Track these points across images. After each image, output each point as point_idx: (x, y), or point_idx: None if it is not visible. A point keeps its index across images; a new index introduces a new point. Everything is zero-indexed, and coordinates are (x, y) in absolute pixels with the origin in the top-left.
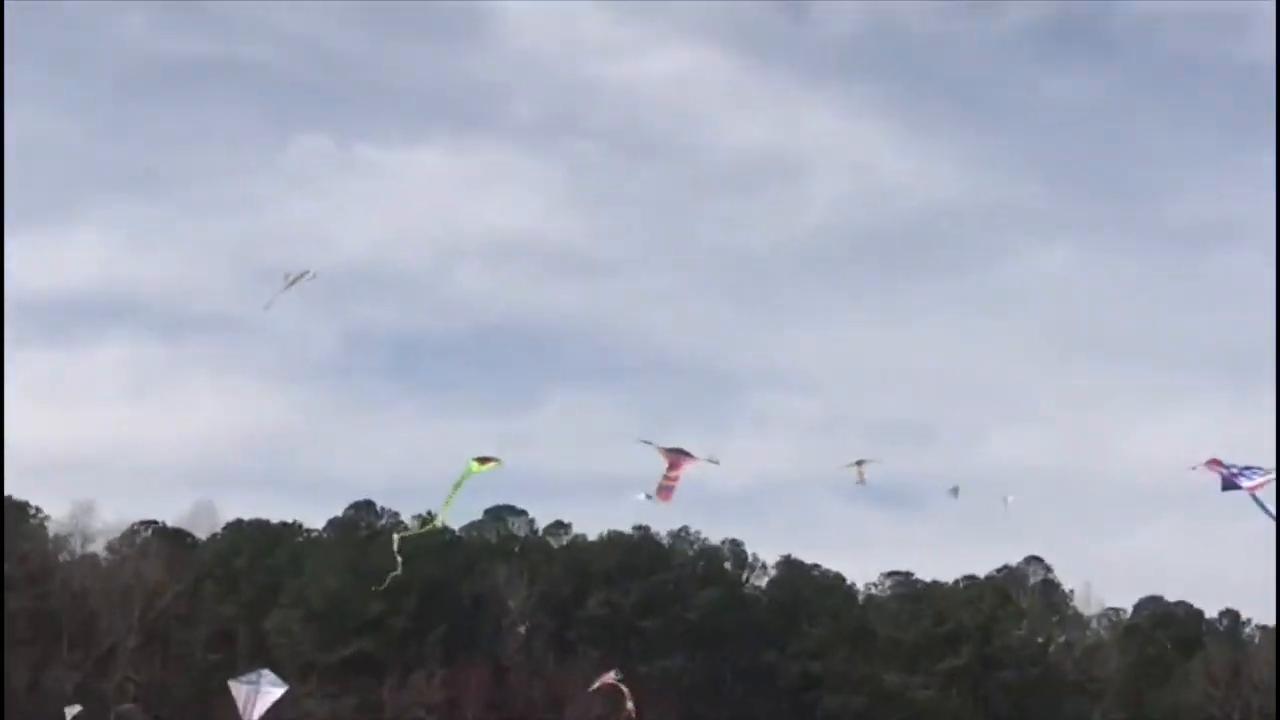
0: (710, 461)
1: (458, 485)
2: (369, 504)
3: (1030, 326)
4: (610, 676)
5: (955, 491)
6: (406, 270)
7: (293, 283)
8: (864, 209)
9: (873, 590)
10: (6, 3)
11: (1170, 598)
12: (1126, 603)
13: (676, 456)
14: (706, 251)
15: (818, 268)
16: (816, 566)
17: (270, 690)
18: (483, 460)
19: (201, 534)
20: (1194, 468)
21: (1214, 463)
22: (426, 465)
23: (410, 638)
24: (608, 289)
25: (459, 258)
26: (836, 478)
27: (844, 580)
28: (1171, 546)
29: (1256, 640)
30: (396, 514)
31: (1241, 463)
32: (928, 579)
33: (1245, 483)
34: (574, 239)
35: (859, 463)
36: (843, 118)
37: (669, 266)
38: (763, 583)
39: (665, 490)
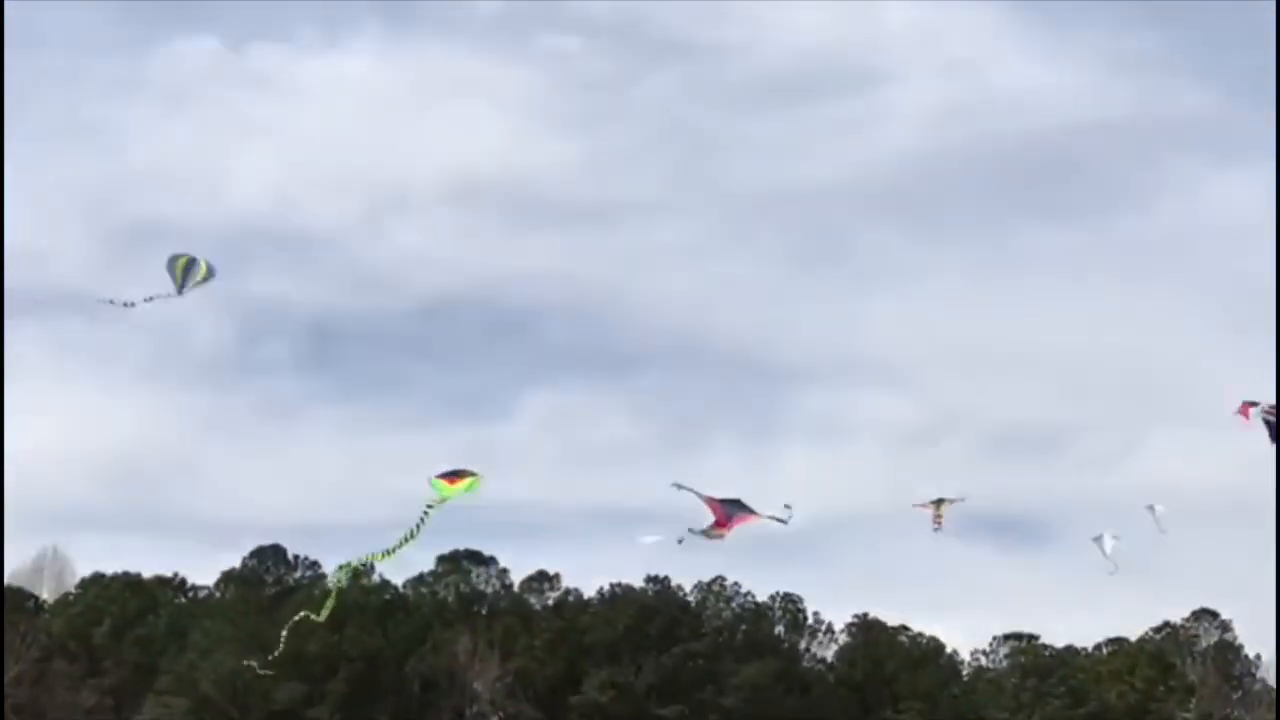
0: (777, 520)
1: (424, 519)
2: (277, 550)
3: (1200, 290)
4: None
5: (1102, 541)
6: (324, 227)
7: (185, 282)
8: (964, 129)
9: (982, 660)
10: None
11: None
12: None
13: (728, 511)
14: (743, 191)
15: (900, 212)
16: (904, 629)
17: None
18: (453, 476)
19: (47, 594)
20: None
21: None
22: (356, 496)
23: None
24: (605, 246)
25: (397, 207)
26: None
27: (942, 647)
28: None
29: None
30: (315, 563)
31: None
32: (1059, 644)
33: None
34: (556, 177)
35: (938, 503)
36: (935, 3)
37: (690, 213)
38: (829, 653)
39: (714, 536)
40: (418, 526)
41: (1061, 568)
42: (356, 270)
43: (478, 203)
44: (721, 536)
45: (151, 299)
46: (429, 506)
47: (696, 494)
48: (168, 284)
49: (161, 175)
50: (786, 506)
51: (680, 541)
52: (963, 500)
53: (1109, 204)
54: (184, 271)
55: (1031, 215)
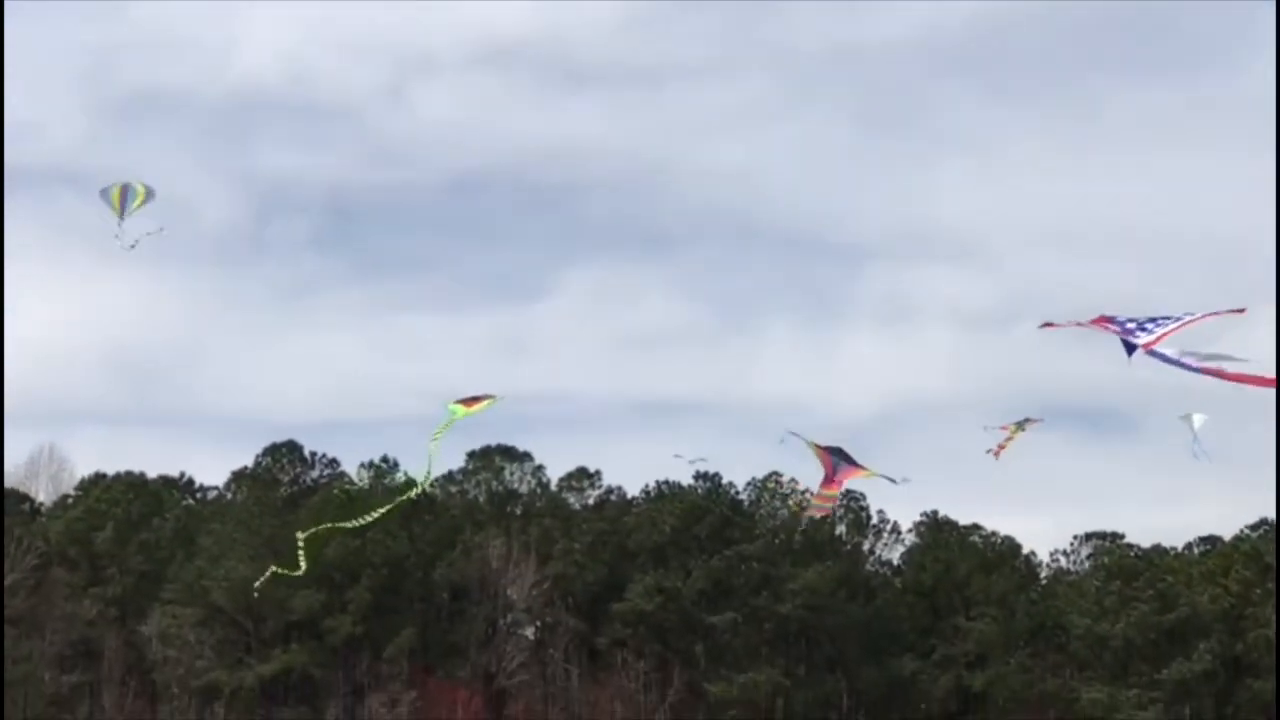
0: (888, 479)
1: (436, 438)
2: (293, 447)
3: None
4: None
5: (1191, 420)
6: (342, 96)
7: (125, 209)
8: None
9: (1062, 561)
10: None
11: None
12: None
13: (838, 464)
14: (800, 50)
15: (973, 71)
16: (976, 528)
17: None
18: (469, 401)
19: (45, 496)
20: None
21: (1101, 320)
22: (378, 386)
23: (362, 647)
24: (649, 113)
25: (421, 74)
26: (1003, 397)
27: (1018, 548)
28: None
29: None
30: (334, 461)
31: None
32: (1146, 543)
33: (1143, 338)
34: (594, 37)
35: (1020, 425)
36: None
37: (742, 75)
38: (895, 555)
39: (819, 508)
40: (433, 447)
41: (1148, 460)
42: (378, 142)
43: (509, 67)
44: (834, 499)
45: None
46: (439, 430)
47: (807, 443)
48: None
49: (163, 40)
50: (905, 479)
51: (781, 442)
52: (1041, 422)
53: (1199, 62)
54: (120, 201)
55: (1116, 74)
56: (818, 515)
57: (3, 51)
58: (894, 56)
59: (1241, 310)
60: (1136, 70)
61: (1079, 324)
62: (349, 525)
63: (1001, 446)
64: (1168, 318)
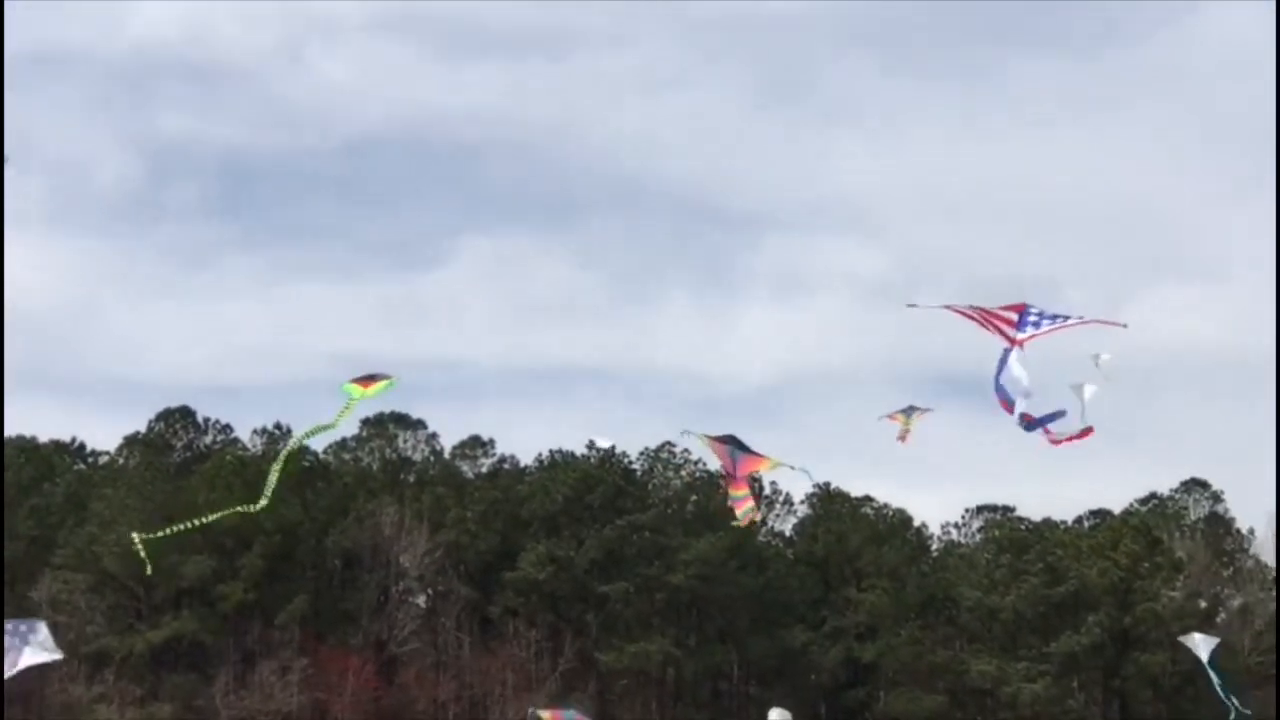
0: (793, 469)
1: (335, 424)
2: (185, 412)
3: (1201, 130)
4: None
5: (1081, 390)
6: (238, 57)
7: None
8: None
9: (953, 534)
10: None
11: None
12: None
13: (735, 455)
14: (701, 18)
15: (873, 41)
16: (868, 500)
17: (36, 650)
18: (366, 380)
19: None
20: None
21: (982, 313)
22: (273, 352)
23: (253, 614)
24: (549, 80)
25: (319, 36)
26: (899, 368)
27: (910, 520)
28: None
29: None
30: (227, 427)
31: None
32: (1036, 516)
33: (1022, 334)
34: (495, 1)
35: (907, 412)
36: None
37: (643, 42)
38: (787, 526)
39: (748, 514)
40: (328, 424)
41: (1041, 435)
42: (275, 106)
43: (410, 31)
44: (747, 499)
45: None
46: (339, 417)
47: (700, 437)
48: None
49: None
50: (805, 470)
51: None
52: (931, 411)
53: (1101, 34)
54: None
55: (1016, 46)
56: (755, 519)
57: (2, 51)
58: (793, 26)
59: (1124, 325)
60: (1035, 41)
61: (948, 307)
62: (246, 509)
63: (905, 432)
64: (1042, 315)
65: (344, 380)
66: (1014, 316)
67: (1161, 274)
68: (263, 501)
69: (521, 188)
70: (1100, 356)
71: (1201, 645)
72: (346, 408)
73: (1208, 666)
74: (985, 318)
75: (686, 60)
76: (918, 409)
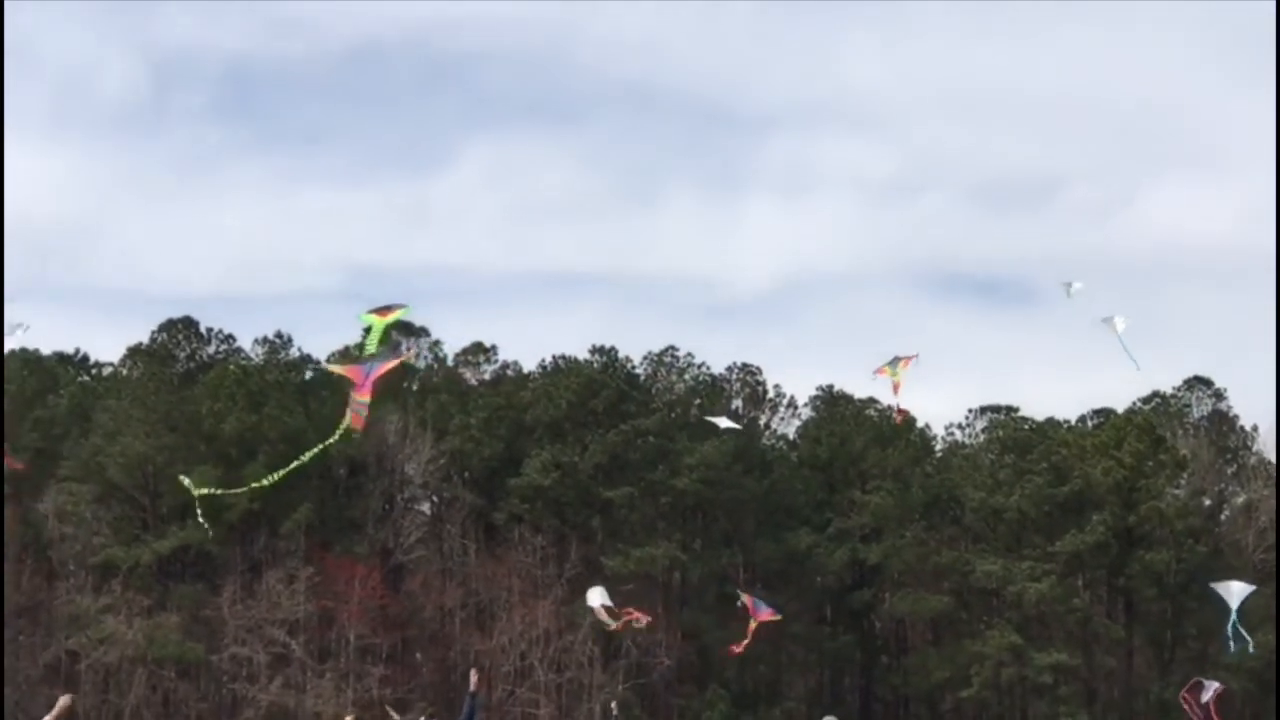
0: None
1: (373, 346)
2: (188, 322)
3: (1208, 24)
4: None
5: (1069, 288)
6: None
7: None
8: None
9: (956, 434)
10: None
11: None
12: None
13: (370, 367)
14: None
15: None
16: (872, 401)
17: None
18: (382, 311)
19: None
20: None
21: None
22: (276, 259)
23: (259, 524)
24: None
25: None
26: (906, 268)
27: (913, 421)
28: None
29: None
30: (230, 337)
31: None
32: (1039, 416)
33: None
34: None
35: (892, 364)
36: None
37: None
38: (791, 429)
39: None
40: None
41: (1045, 332)
42: (276, 11)
43: None
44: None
45: None
46: (366, 346)
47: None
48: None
49: None
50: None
51: None
52: (916, 357)
53: None
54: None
55: None
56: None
57: (3, 51)
58: None
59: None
60: None
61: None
62: (268, 482)
63: (896, 384)
64: None
65: (348, 295)
66: None
67: (1167, 169)
68: (343, 426)
69: (525, 91)
70: (1074, 284)
71: (1235, 594)
72: (372, 338)
73: (1234, 614)
74: None
75: None
76: (901, 358)
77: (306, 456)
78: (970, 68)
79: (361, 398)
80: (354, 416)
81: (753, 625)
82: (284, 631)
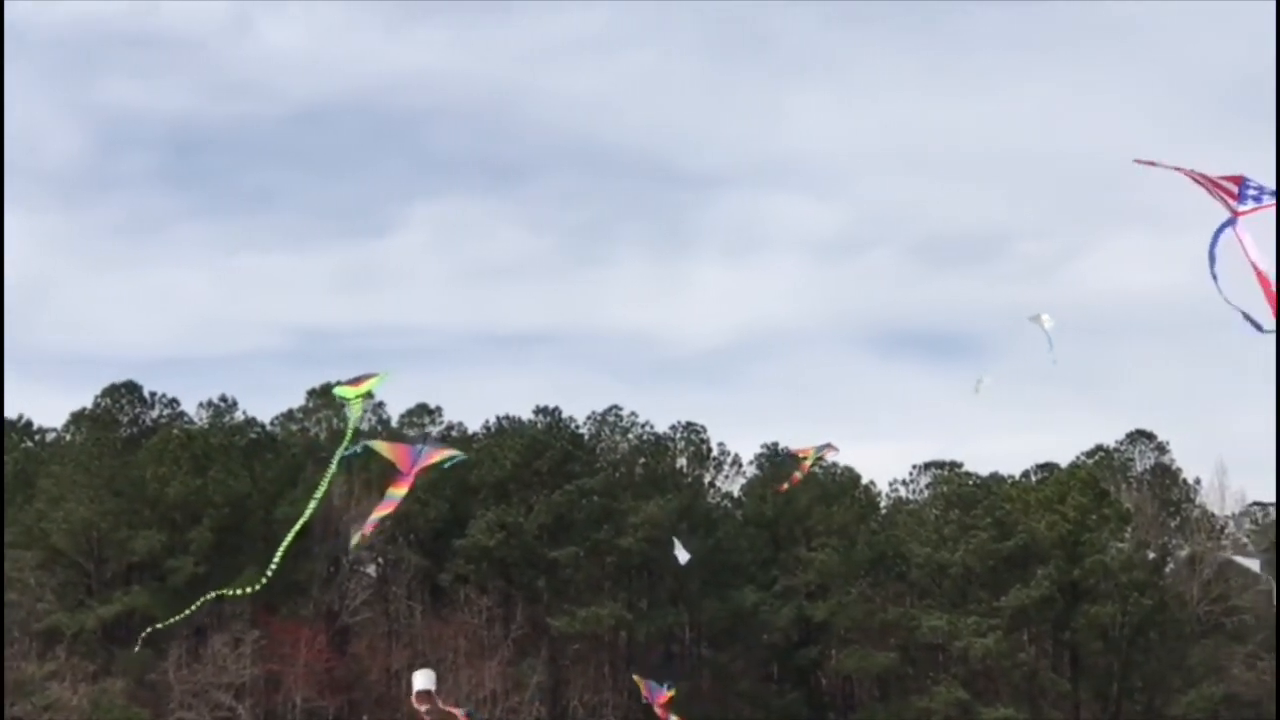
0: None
1: (348, 441)
2: (132, 387)
3: (1155, 81)
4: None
5: (1040, 319)
6: (185, 26)
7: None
8: None
9: (901, 491)
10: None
11: None
12: None
13: (420, 451)
14: None
15: None
16: (818, 460)
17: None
18: (356, 381)
19: None
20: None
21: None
22: (222, 323)
23: (205, 586)
24: (497, 41)
25: (265, 3)
26: (851, 325)
27: (858, 478)
28: None
29: None
30: (174, 401)
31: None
32: (984, 471)
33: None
34: None
35: (821, 450)
36: None
37: (592, 1)
38: (735, 487)
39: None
40: (349, 438)
41: (991, 388)
42: (222, 74)
43: None
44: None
45: None
46: (353, 420)
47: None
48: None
49: None
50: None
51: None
52: (837, 449)
53: None
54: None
55: None
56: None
57: (3, 51)
58: None
59: None
60: None
61: (1178, 169)
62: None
63: (796, 479)
64: (1262, 190)
65: (294, 357)
66: (1234, 188)
67: (1114, 226)
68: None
69: (471, 151)
70: (1043, 316)
71: (1252, 562)
72: (353, 410)
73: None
74: (1210, 184)
75: (636, 18)
76: (829, 446)
77: (298, 525)
78: (916, 125)
79: (398, 490)
80: (372, 525)
81: (659, 708)
82: (230, 696)
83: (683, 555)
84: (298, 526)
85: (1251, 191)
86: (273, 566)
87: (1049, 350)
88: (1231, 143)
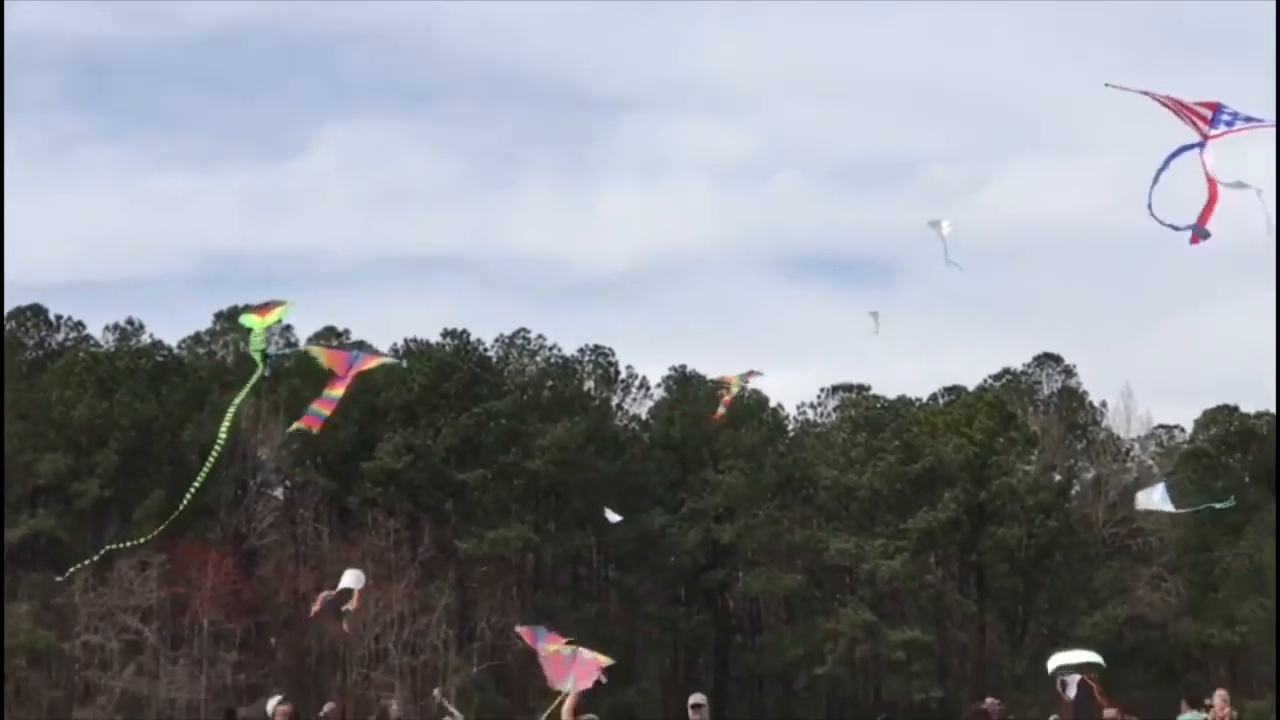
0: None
1: (260, 358)
2: (38, 310)
3: (1069, 15)
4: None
5: (940, 225)
6: None
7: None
8: None
9: (809, 414)
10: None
11: (1250, 408)
12: (1185, 418)
13: (356, 357)
14: None
15: None
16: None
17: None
18: (263, 309)
19: None
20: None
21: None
22: (128, 245)
23: (111, 510)
24: None
25: None
26: (760, 249)
27: (766, 401)
28: (1253, 334)
29: None
30: (79, 324)
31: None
32: (891, 394)
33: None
34: None
35: (745, 376)
36: None
37: None
38: (643, 410)
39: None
40: (261, 366)
41: (898, 312)
42: None
43: None
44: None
45: None
46: (255, 350)
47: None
48: None
49: None
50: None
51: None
52: (761, 374)
53: None
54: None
55: None
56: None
57: (3, 51)
58: None
59: None
60: None
61: (1145, 93)
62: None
63: (727, 402)
64: (1236, 115)
65: (201, 280)
66: (1208, 114)
67: (1023, 150)
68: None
69: (382, 75)
70: (943, 223)
71: (1157, 499)
72: (255, 339)
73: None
74: (1181, 108)
75: None
76: (752, 371)
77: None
78: (825, 49)
79: (335, 391)
80: (310, 417)
81: (543, 658)
82: (136, 618)
83: (613, 517)
84: (208, 467)
85: (1225, 117)
86: (183, 505)
87: (947, 257)
88: (1152, 68)
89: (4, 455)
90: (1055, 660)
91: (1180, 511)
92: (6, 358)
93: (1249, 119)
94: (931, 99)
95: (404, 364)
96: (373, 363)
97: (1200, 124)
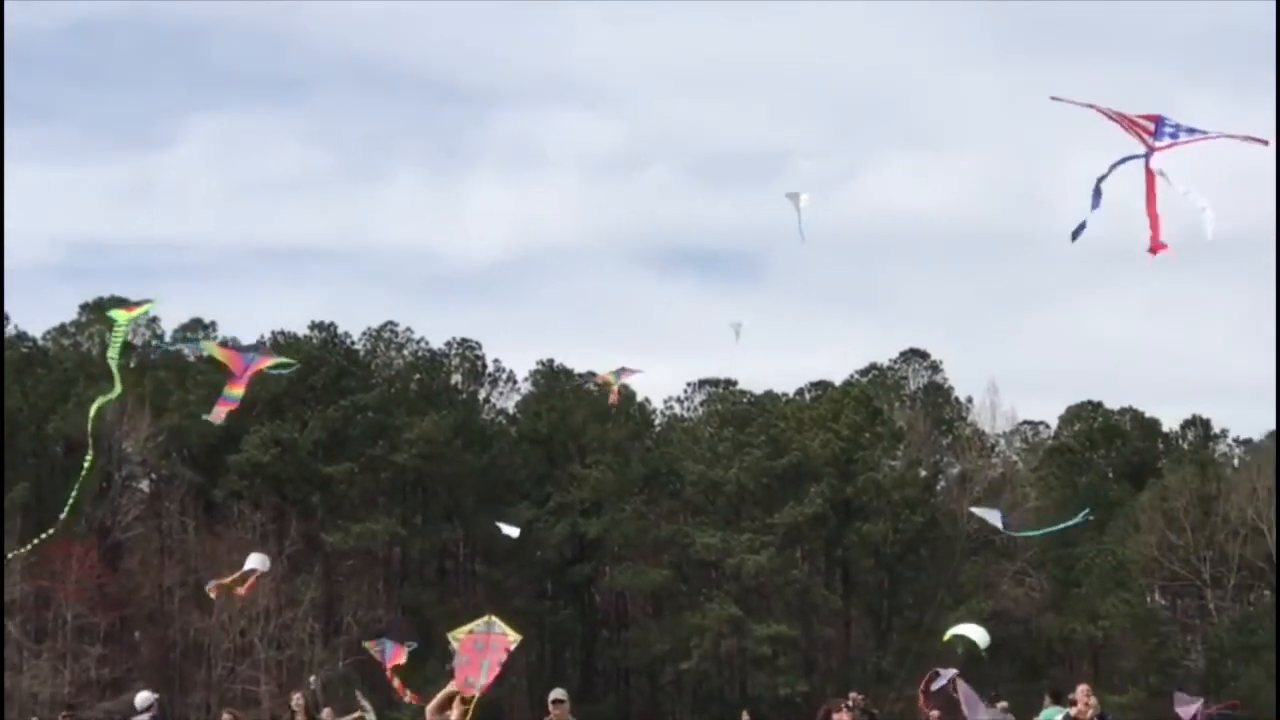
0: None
1: (118, 351)
2: None
3: (937, 11)
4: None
5: (797, 199)
6: None
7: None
8: None
9: (676, 408)
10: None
11: (1113, 404)
12: (1049, 414)
13: (250, 359)
14: None
15: None
16: (591, 375)
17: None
18: (131, 306)
19: None
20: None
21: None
22: None
23: None
24: None
25: None
26: (628, 243)
27: (632, 396)
28: (1117, 331)
29: (1235, 463)
30: None
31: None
32: (758, 389)
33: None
34: None
35: (618, 373)
36: None
37: None
38: (510, 403)
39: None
40: (117, 356)
41: (765, 307)
42: None
43: None
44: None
45: None
46: (118, 342)
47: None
48: None
49: None
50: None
51: None
52: (641, 373)
53: None
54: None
55: None
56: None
57: (3, 51)
58: None
59: (1265, 142)
60: None
61: (1092, 106)
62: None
63: (616, 395)
64: (1179, 128)
65: (66, 271)
66: (1151, 126)
67: (891, 146)
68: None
69: (251, 65)
70: (801, 196)
71: (991, 516)
72: (118, 333)
73: (1003, 527)
74: (1127, 122)
75: None
76: (627, 369)
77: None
78: (695, 43)
79: (234, 391)
80: (221, 406)
81: (390, 671)
82: None
83: (511, 531)
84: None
85: (1168, 129)
86: (67, 509)
87: (800, 230)
88: (1018, 66)
89: None
90: (953, 630)
91: (1031, 534)
92: None
93: (1192, 131)
94: (801, 93)
95: (297, 364)
96: (268, 363)
97: (1145, 135)
